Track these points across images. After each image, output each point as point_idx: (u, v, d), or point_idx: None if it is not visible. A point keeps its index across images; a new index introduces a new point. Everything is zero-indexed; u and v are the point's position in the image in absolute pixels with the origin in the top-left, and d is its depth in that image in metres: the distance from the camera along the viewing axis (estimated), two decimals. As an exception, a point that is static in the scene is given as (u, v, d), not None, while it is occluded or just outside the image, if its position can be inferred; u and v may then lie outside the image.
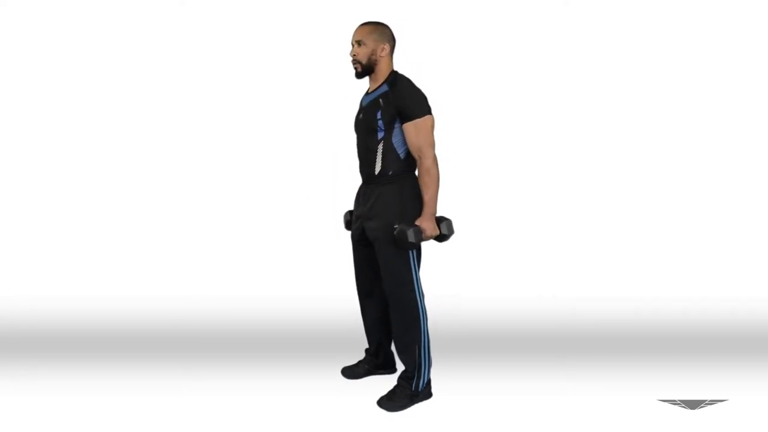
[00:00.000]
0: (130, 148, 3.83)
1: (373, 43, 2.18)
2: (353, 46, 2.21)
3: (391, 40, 2.23)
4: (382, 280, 2.24)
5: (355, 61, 2.21)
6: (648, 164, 3.75)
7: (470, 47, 3.74)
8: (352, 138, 2.34)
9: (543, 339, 2.92)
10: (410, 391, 2.22)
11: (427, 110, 2.15)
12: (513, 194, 3.73)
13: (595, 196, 3.72)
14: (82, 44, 3.77)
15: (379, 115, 2.16)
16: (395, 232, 2.13)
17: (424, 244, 2.25)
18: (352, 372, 2.50)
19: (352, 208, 2.41)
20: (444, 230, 2.21)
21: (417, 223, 2.14)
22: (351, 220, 2.41)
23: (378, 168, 2.20)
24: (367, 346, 2.54)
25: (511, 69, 3.75)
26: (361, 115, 2.26)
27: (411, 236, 2.10)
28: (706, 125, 3.73)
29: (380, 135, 2.18)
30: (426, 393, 2.25)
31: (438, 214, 2.21)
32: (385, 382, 2.36)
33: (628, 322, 3.11)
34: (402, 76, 2.22)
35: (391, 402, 2.20)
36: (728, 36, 3.67)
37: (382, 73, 2.21)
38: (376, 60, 2.19)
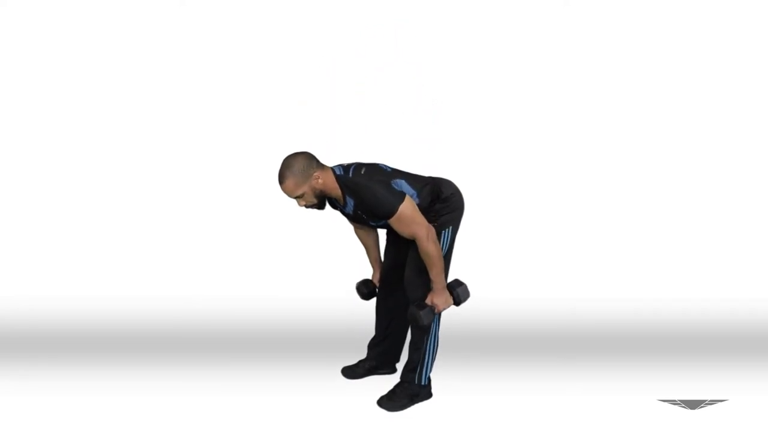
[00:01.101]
0: (130, 148, 3.82)
1: (306, 186, 2.07)
2: (296, 201, 2.11)
3: (309, 162, 2.08)
4: (406, 277, 2.22)
5: (310, 207, 2.14)
6: (648, 165, 3.75)
7: (470, 47, 3.74)
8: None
9: (543, 339, 2.92)
10: (410, 391, 2.22)
11: (396, 203, 2.05)
12: (512, 195, 3.72)
13: (594, 197, 3.72)
14: (83, 44, 3.77)
15: (371, 222, 2.19)
16: (407, 314, 2.14)
17: None
18: (352, 372, 2.50)
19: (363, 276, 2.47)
20: (460, 298, 2.19)
21: (427, 300, 2.14)
22: (368, 292, 2.46)
23: None
24: (367, 345, 2.53)
25: (512, 69, 3.74)
26: (360, 220, 2.22)
27: (422, 319, 2.10)
28: (705, 126, 3.73)
29: (384, 222, 2.15)
30: (426, 393, 2.26)
31: (453, 278, 2.23)
32: (385, 382, 2.36)
33: (628, 322, 3.11)
34: (350, 185, 2.11)
35: (391, 402, 2.20)
36: (728, 36, 3.67)
37: (334, 191, 2.13)
38: (320, 190, 2.10)
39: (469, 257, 3.65)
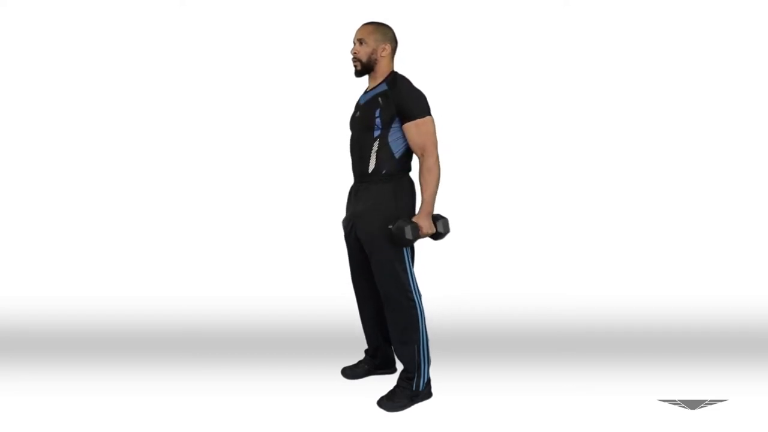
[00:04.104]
0: (129, 148, 3.83)
1: (374, 42, 2.19)
2: (354, 44, 2.22)
3: (393, 42, 2.23)
4: (376, 281, 2.23)
5: (355, 59, 2.22)
6: (649, 164, 3.76)
7: (470, 47, 3.74)
8: (345, 136, 2.34)
9: (543, 339, 2.92)
10: (410, 392, 2.22)
11: (427, 111, 2.15)
12: (511, 193, 3.73)
13: (595, 196, 3.72)
14: (83, 44, 3.77)
15: (377, 113, 2.15)
16: (393, 228, 2.11)
17: (420, 242, 2.23)
18: (352, 372, 2.50)
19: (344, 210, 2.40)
20: (440, 228, 2.21)
21: (414, 220, 2.14)
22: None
23: (372, 166, 2.19)
24: (366, 346, 2.53)
25: (512, 69, 3.75)
26: (358, 113, 2.26)
27: (408, 233, 2.09)
28: (705, 125, 3.73)
29: (376, 133, 2.17)
30: (426, 393, 2.25)
31: (435, 212, 2.21)
32: (385, 382, 2.36)
33: (628, 322, 3.11)
34: (402, 77, 2.21)
35: (391, 402, 2.20)
36: (728, 36, 3.67)
37: (381, 73, 2.21)
38: (376, 59, 2.20)
39: (468, 256, 3.67)
